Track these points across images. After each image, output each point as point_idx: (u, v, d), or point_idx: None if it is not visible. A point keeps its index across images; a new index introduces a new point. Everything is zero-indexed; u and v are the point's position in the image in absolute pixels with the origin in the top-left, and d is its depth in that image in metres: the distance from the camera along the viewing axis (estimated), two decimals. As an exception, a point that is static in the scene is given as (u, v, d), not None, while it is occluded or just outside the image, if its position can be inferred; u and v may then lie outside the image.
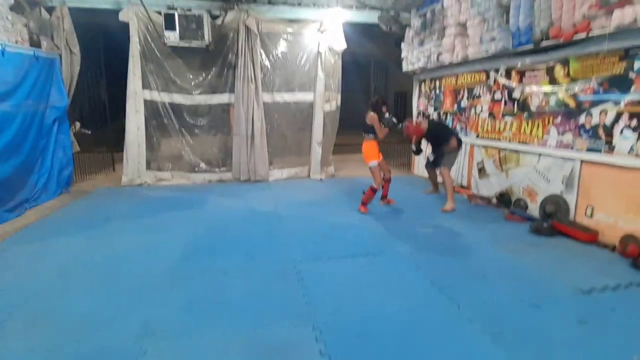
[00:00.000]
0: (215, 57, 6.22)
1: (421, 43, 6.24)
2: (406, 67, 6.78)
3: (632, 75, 3.33)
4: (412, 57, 6.51)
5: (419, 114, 7.05)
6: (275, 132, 6.68)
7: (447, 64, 5.65)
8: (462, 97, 5.74)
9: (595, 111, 3.64)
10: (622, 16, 3.17)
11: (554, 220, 3.91)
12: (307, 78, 6.64)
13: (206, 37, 5.71)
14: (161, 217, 4.50)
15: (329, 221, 4.33)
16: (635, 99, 3.30)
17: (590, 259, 3.29)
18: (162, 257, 3.30)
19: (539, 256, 3.33)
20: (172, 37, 5.68)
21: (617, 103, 3.45)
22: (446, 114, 6.18)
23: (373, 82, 10.42)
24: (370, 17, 6.60)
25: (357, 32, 7.05)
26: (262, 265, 3.15)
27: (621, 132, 3.40)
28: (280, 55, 6.47)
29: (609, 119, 3.52)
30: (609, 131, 3.52)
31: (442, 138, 4.92)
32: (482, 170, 5.34)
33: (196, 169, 6.50)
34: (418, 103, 7.09)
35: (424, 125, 5.12)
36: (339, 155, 8.23)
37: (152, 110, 6.18)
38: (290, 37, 6.45)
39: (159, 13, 5.68)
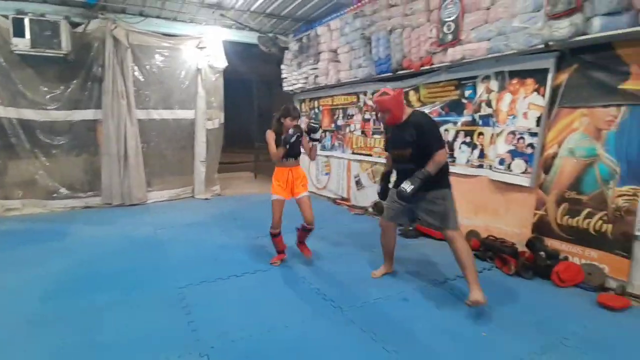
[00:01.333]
0: (77, 69, 5.57)
1: (299, 65, 6.61)
2: (287, 87, 7.09)
3: (464, 101, 4.10)
4: (292, 78, 6.85)
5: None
6: (153, 151, 6.25)
7: (323, 85, 6.11)
8: (338, 116, 6.25)
9: (441, 130, 4.36)
10: (454, 53, 3.90)
11: (417, 224, 4.51)
12: (186, 95, 6.41)
13: (64, 45, 5.09)
14: (13, 254, 3.79)
15: (215, 242, 4.22)
16: (468, 120, 4.07)
17: (444, 254, 3.87)
18: (17, 301, 2.79)
19: (407, 256, 3.80)
20: (22, 45, 4.92)
21: (455, 123, 4.21)
22: (325, 131, 6.64)
23: (257, 100, 10.58)
24: (250, 37, 6.75)
25: (240, 51, 7.12)
26: (142, 296, 2.91)
27: (460, 147, 4.16)
28: (155, 70, 6.12)
29: (450, 136, 4.26)
30: (451, 146, 4.26)
31: (428, 144, 2.72)
32: (359, 183, 5.86)
33: (55, 196, 5.64)
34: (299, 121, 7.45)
35: (406, 111, 2.87)
36: (225, 174, 8.09)
37: (-6, 128, 5.21)
38: (166, 51, 6.17)
39: (6, 17, 4.89)
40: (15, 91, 5.25)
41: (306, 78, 6.43)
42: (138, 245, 4.12)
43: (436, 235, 4.27)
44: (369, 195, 5.61)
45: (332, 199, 6.40)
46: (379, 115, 3.00)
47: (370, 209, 5.51)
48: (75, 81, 5.59)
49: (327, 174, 6.66)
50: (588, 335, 2.39)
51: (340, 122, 6.23)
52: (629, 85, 2.81)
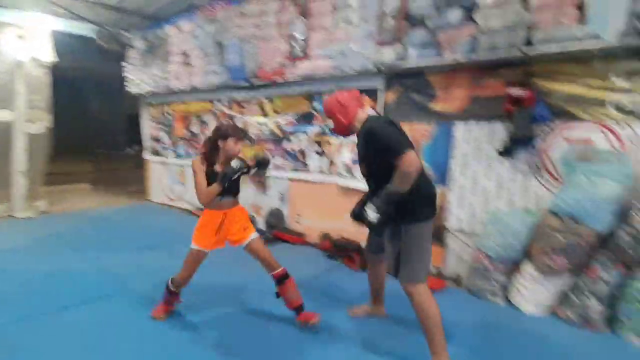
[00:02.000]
0: None
1: (147, 66, 6.08)
2: (132, 89, 6.44)
3: (314, 112, 4.41)
4: (138, 79, 6.26)
5: (153, 139, 6.81)
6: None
7: (175, 90, 5.75)
8: (193, 123, 5.97)
9: (295, 139, 4.60)
10: (303, 68, 4.16)
11: (275, 230, 4.64)
12: (1, 92, 5.22)
13: None
14: None
15: (42, 269, 3.51)
16: (318, 130, 4.39)
17: (300, 256, 4.10)
18: None
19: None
20: None
21: (306, 133, 4.49)
22: (178, 138, 6.26)
23: (97, 101, 9.31)
24: (86, 30, 5.91)
25: (75, 45, 6.15)
26: None
27: (311, 155, 4.45)
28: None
29: (303, 145, 4.53)
30: (304, 155, 4.52)
31: (384, 150, 2.02)
32: (217, 192, 5.69)
33: None
34: (149, 126, 6.85)
35: (360, 118, 2.24)
36: (55, 187, 6.86)
37: None
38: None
39: None
40: None
41: (155, 80, 5.96)
42: None
43: (292, 240, 4.47)
44: (228, 204, 5.51)
45: (189, 210, 6.06)
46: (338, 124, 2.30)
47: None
48: None
49: (182, 183, 6.28)
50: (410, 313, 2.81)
51: (194, 129, 5.96)
52: (436, 106, 3.47)
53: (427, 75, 3.49)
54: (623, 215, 2.48)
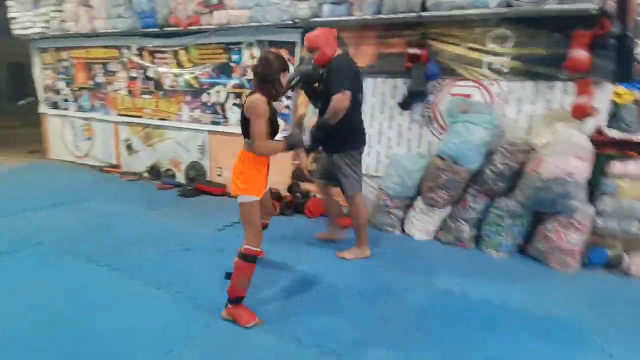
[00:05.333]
0: None
1: (36, 4, 5.36)
2: (18, 30, 5.64)
3: (232, 64, 4.41)
4: (26, 19, 5.50)
5: (49, 89, 6.12)
6: None
7: (73, 33, 5.20)
8: (97, 72, 5.51)
9: (213, 91, 4.58)
10: (220, 17, 4.10)
11: (196, 183, 4.69)
12: None
13: None
14: None
15: None
16: (237, 83, 4.42)
17: (223, 206, 4.24)
18: None
19: (187, 213, 3.95)
20: None
21: (225, 85, 4.50)
22: (81, 89, 5.74)
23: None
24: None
25: None
26: None
27: (231, 108, 4.50)
28: None
29: (222, 98, 4.54)
30: (223, 108, 4.55)
31: (330, 86, 2.58)
32: (130, 147, 5.45)
33: None
34: (44, 76, 6.12)
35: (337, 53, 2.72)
36: None
37: None
38: None
39: None
40: None
41: (47, 21, 5.31)
42: None
43: (214, 191, 4.57)
44: (143, 159, 5.34)
45: (99, 167, 5.71)
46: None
47: (146, 174, 5.27)
48: None
49: (88, 139, 5.85)
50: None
51: (99, 79, 5.52)
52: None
53: (339, 32, 3.72)
54: (488, 155, 3.08)
